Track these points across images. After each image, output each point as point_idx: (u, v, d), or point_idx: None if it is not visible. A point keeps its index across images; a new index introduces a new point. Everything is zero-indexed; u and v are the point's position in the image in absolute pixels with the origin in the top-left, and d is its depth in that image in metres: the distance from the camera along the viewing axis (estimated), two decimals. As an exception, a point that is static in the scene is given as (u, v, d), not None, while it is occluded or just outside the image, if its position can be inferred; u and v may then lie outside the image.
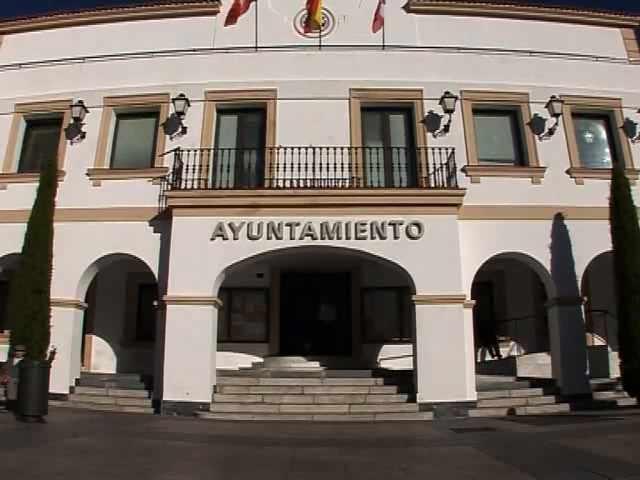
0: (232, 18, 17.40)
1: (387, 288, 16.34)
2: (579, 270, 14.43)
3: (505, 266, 15.92)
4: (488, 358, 16.78)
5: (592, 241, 14.27)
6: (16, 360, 11.95)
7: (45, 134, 16.64)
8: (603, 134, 16.62)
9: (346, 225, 13.91)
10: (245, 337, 16.69)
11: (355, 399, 13.39)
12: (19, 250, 13.54)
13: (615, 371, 14.00)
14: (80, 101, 15.73)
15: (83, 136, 15.89)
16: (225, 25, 17.32)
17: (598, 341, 16.45)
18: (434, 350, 13.16)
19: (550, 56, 16.69)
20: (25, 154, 16.60)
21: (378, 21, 17.08)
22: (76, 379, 14.49)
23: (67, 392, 13.97)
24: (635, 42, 19.64)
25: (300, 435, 10.67)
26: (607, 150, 16.44)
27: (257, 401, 13.40)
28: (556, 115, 15.53)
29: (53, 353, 12.20)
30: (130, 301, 17.40)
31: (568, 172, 15.41)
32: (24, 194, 14.11)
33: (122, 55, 16.66)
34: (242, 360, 16.02)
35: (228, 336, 16.29)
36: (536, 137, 15.75)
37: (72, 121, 15.80)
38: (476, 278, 14.22)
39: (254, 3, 17.53)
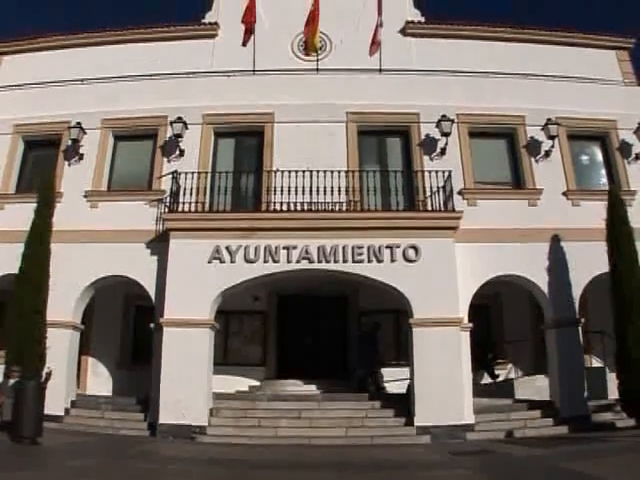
0: (247, 35, 17.41)
1: (384, 311, 16.26)
2: (576, 292, 14.43)
3: (502, 288, 15.90)
4: (486, 380, 16.69)
5: (589, 262, 14.29)
6: (11, 381, 11.92)
7: (43, 155, 16.64)
8: (599, 156, 16.70)
9: (343, 248, 13.92)
10: (242, 360, 16.57)
11: (352, 422, 13.33)
12: (16, 270, 13.50)
13: (613, 392, 13.86)
14: (78, 123, 15.80)
15: (81, 157, 15.92)
16: (243, 45, 17.30)
17: (596, 362, 16.36)
18: (431, 373, 13.12)
19: (546, 79, 16.83)
20: (23, 175, 16.62)
21: (375, 45, 17.23)
22: (72, 401, 14.42)
23: (62, 414, 13.88)
24: (629, 64, 19.84)
25: (297, 459, 10.67)
26: (603, 171, 16.52)
27: (254, 424, 13.34)
28: (552, 137, 15.62)
29: (49, 374, 12.16)
30: (127, 323, 17.34)
31: (564, 194, 15.47)
32: (22, 215, 14.12)
33: (120, 77, 16.73)
34: (239, 383, 15.94)
35: (225, 359, 16.19)
36: (532, 159, 15.82)
37: (70, 142, 15.86)
38: (473, 301, 14.23)
39: (253, 25, 17.64)
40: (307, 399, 14.28)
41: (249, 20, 17.19)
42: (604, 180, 16.24)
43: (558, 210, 15.15)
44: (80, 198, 15.47)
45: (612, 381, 13.91)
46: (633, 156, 16.13)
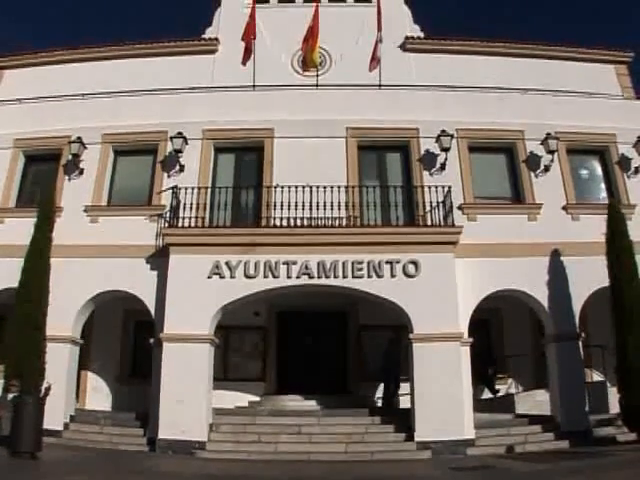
0: (247, 56, 17.49)
1: (384, 326, 16.15)
2: (576, 306, 14.40)
3: (502, 303, 15.86)
4: (486, 395, 16.63)
5: (589, 276, 14.27)
6: (10, 395, 11.92)
7: (43, 169, 16.64)
8: (598, 170, 16.69)
9: (343, 264, 13.91)
10: (241, 375, 16.48)
11: (352, 438, 13.23)
12: (15, 285, 13.46)
13: (614, 406, 13.83)
14: (79, 137, 15.82)
15: (81, 172, 15.93)
16: (243, 64, 17.40)
17: (597, 376, 16.32)
18: (432, 388, 13.07)
19: (545, 93, 16.93)
20: (23, 189, 16.61)
21: (375, 61, 17.31)
22: (71, 415, 14.35)
23: (61, 428, 13.79)
24: (628, 78, 19.97)
25: (297, 475, 10.66)
26: (603, 185, 16.50)
27: (253, 440, 13.25)
28: (551, 152, 15.65)
29: (48, 389, 12.17)
30: (126, 338, 17.27)
31: (564, 208, 15.46)
32: (22, 229, 14.10)
33: (121, 92, 16.82)
34: (238, 399, 15.85)
35: (224, 374, 16.12)
36: (532, 174, 15.83)
37: (70, 157, 15.87)
38: (473, 315, 14.19)
39: (252, 43, 17.73)
40: (307, 414, 14.21)
41: (249, 39, 17.29)
42: (604, 194, 16.24)
43: (558, 224, 15.14)
44: (80, 213, 15.46)
45: (613, 395, 13.89)
46: (632, 170, 16.13)
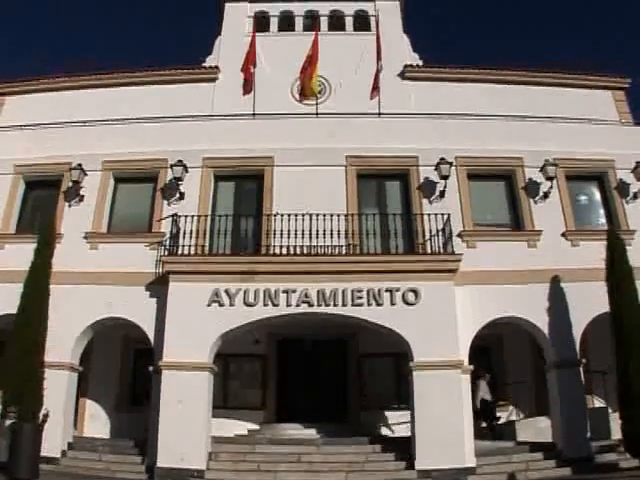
0: (247, 88, 17.65)
1: (384, 354, 16.16)
2: (577, 332, 14.36)
3: (503, 330, 15.84)
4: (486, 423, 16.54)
5: (589, 303, 14.25)
6: (8, 421, 11.84)
7: (44, 195, 16.67)
8: (597, 195, 16.72)
9: (343, 292, 13.91)
10: (241, 403, 16.37)
11: (352, 467, 13.13)
12: (15, 310, 13.46)
13: (616, 432, 13.78)
14: (79, 164, 15.89)
15: (81, 199, 15.97)
16: (244, 94, 17.55)
17: (598, 402, 16.21)
18: (432, 416, 12.99)
19: (543, 120, 17.02)
20: (23, 215, 16.64)
21: (375, 90, 17.45)
22: (68, 443, 14.22)
23: (59, 456, 13.68)
24: (626, 103, 20.09)
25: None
26: (602, 211, 16.53)
27: (253, 469, 13.13)
28: (550, 178, 15.71)
29: (46, 416, 12.15)
30: (125, 365, 17.19)
31: (564, 235, 15.48)
32: (21, 255, 14.15)
33: (122, 120, 16.93)
34: (238, 427, 15.71)
35: (224, 402, 16.01)
36: (531, 201, 15.87)
37: (71, 184, 15.92)
38: (474, 342, 14.14)
39: (253, 70, 17.88)
40: (307, 443, 14.10)
41: (248, 70, 17.43)
42: (603, 220, 16.28)
43: (557, 251, 15.15)
44: (80, 239, 15.47)
45: (615, 421, 13.85)
46: (631, 195, 16.16)
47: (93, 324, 14.70)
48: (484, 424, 15.82)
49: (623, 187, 16.23)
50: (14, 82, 20.40)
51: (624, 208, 16.11)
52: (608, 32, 53.80)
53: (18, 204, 16.63)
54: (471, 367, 13.88)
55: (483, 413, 15.74)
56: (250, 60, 17.61)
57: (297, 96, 18.63)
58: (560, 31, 54.34)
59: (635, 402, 12.48)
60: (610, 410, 15.13)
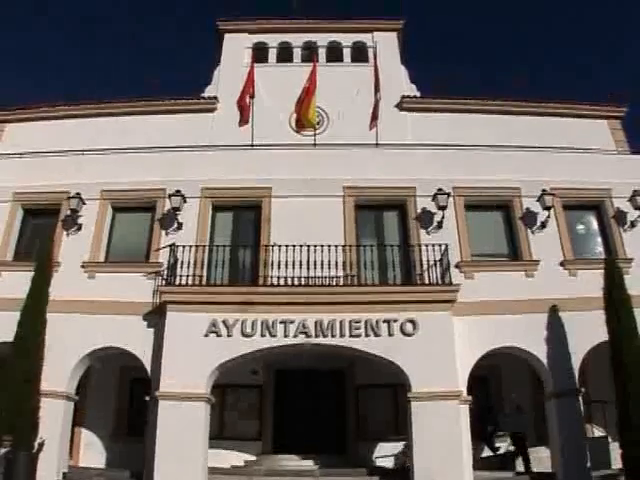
0: (244, 119, 17.80)
1: (382, 385, 16.07)
2: (576, 361, 14.31)
3: (501, 360, 15.74)
4: (486, 454, 16.41)
5: (588, 332, 14.21)
6: (3, 450, 11.77)
7: (42, 224, 16.65)
8: (595, 224, 16.77)
9: (340, 323, 13.86)
10: (238, 434, 16.22)
11: (350, 499, 13.08)
12: (11, 339, 13.38)
13: (617, 462, 13.64)
14: (78, 193, 15.90)
15: (79, 228, 15.97)
16: (240, 126, 17.69)
17: (598, 432, 16.12)
18: (431, 447, 12.91)
19: (540, 150, 17.15)
20: (21, 242, 16.60)
21: (374, 121, 17.59)
22: (64, 472, 13.99)
23: (54, 485, 13.55)
24: (622, 132, 20.20)
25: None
26: (599, 240, 16.54)
27: (249, 501, 13.09)
28: (548, 208, 15.75)
29: (41, 445, 12.15)
30: (122, 395, 17.04)
31: (561, 264, 15.49)
32: (18, 282, 14.09)
33: (120, 149, 16.98)
34: (234, 458, 15.60)
35: (220, 433, 15.89)
36: (529, 230, 15.91)
37: (69, 212, 15.92)
38: (472, 373, 14.09)
39: (251, 101, 18.01)
40: (304, 474, 13.97)
41: (244, 103, 17.57)
42: (600, 249, 16.30)
43: (555, 280, 15.15)
44: (78, 268, 15.44)
45: (615, 450, 13.72)
46: (628, 224, 16.20)
47: (90, 353, 14.60)
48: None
49: (620, 216, 16.29)
50: (14, 109, 20.52)
51: (621, 237, 16.15)
52: (604, 60, 54.44)
53: (16, 232, 16.61)
54: (470, 398, 13.79)
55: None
56: (246, 92, 17.76)
57: (295, 126, 18.76)
58: (557, 60, 54.94)
59: (635, 432, 12.38)
60: (610, 439, 15.08)
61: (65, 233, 16.04)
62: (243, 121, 17.72)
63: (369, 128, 17.73)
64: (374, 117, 17.79)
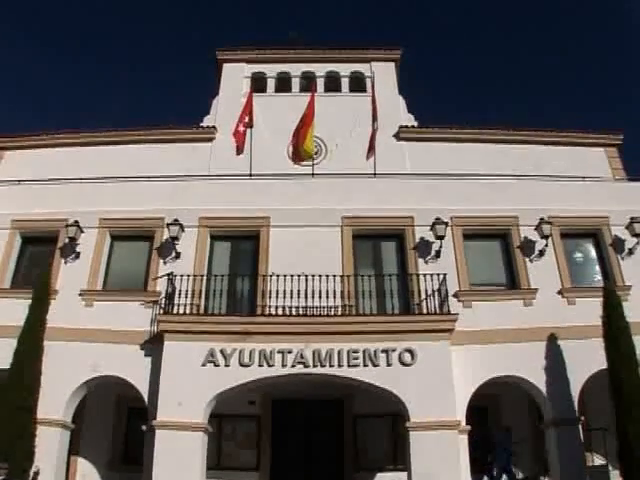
0: (239, 148, 17.94)
1: (380, 415, 15.96)
2: (575, 390, 14.28)
3: (500, 389, 15.66)
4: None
5: (587, 360, 14.22)
6: (-2, 478, 11.67)
7: (40, 251, 16.66)
8: (593, 252, 16.80)
9: (338, 352, 13.83)
10: (235, 464, 16.05)
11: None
12: (7, 366, 13.34)
13: (618, 490, 13.57)
14: (76, 221, 15.92)
15: (77, 256, 15.97)
16: (237, 155, 17.82)
17: (598, 460, 15.95)
18: (430, 478, 12.75)
19: (537, 178, 17.24)
20: (19, 270, 16.58)
21: (371, 151, 17.71)
22: (59, 502, 13.98)
23: (49, 514, 13.39)
24: (619, 160, 20.29)
25: None
26: (597, 268, 16.56)
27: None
28: (545, 237, 15.81)
29: (37, 474, 12.12)
30: (118, 424, 16.88)
31: (560, 292, 15.50)
32: (16, 310, 14.11)
33: (119, 177, 17.07)
34: (232, 488, 15.53)
35: (217, 463, 15.77)
36: (526, 259, 15.95)
37: (67, 240, 15.91)
38: (471, 402, 14.04)
39: (249, 131, 18.14)
40: (302, 506, 13.91)
41: (239, 132, 17.70)
42: (598, 276, 16.31)
43: (554, 309, 15.17)
44: (75, 296, 15.42)
45: (616, 478, 13.74)
46: (626, 251, 16.24)
47: (87, 381, 14.53)
48: None
49: (618, 243, 16.34)
50: (13, 137, 20.58)
51: (619, 264, 16.17)
52: (600, 88, 54.97)
53: (14, 259, 16.60)
54: (468, 427, 13.74)
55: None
56: (242, 121, 17.91)
57: (292, 158, 19.02)
58: (552, 89, 55.49)
59: (635, 462, 12.29)
60: (611, 467, 14.93)
61: (63, 261, 16.03)
62: (239, 150, 17.83)
63: (366, 158, 17.86)
64: (371, 147, 17.92)
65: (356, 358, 13.83)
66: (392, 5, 56.79)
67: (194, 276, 15.09)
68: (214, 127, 20.03)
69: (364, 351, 13.86)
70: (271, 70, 22.45)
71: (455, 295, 15.16)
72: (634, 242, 16.16)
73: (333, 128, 19.53)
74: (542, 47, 57.33)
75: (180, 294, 14.66)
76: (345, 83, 22.33)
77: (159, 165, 17.97)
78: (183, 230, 15.73)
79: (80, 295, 15.48)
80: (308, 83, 21.14)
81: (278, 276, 14.60)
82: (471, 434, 13.85)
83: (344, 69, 22.46)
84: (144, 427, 13.93)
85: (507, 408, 16.78)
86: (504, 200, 16.46)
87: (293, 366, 13.81)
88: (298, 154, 17.99)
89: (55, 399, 13.95)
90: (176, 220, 15.63)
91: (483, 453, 15.69)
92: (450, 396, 13.59)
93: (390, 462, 16.10)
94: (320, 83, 21.72)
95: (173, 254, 15.78)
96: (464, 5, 57.22)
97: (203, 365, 13.84)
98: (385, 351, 13.87)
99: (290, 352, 13.86)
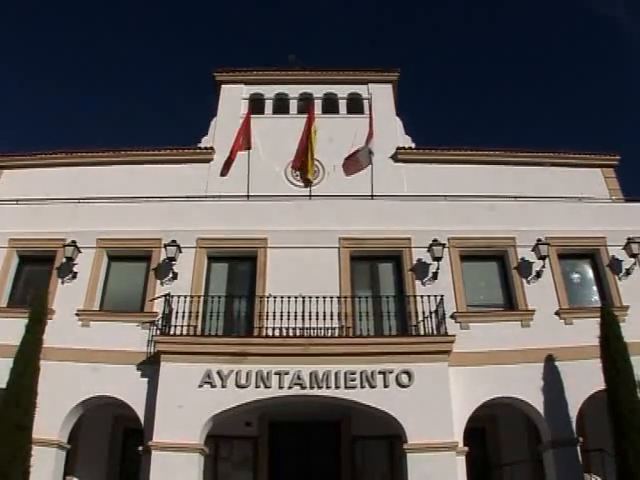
0: (226, 169, 18.07)
1: (378, 437, 15.86)
2: (573, 411, 14.26)
3: (498, 410, 15.65)
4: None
5: (584, 380, 14.20)
6: (-7, 499, 11.55)
7: (37, 271, 16.69)
8: (590, 273, 16.85)
9: (336, 374, 13.81)
10: (232, 486, 16.05)
11: None
12: (3, 385, 13.23)
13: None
14: (73, 241, 15.96)
15: (74, 276, 15.98)
16: (221, 175, 17.86)
17: (597, 481, 15.94)
18: (428, 500, 12.68)
19: (534, 200, 17.33)
20: (16, 289, 16.60)
21: (351, 164, 17.83)
22: (55, 523, 13.83)
23: (43, 537, 13.25)
24: (616, 180, 20.35)
25: None
26: (595, 288, 16.62)
27: None
28: (543, 258, 15.84)
29: (32, 494, 11.82)
30: (114, 445, 16.77)
31: (557, 313, 15.53)
32: (12, 329, 13.99)
33: (117, 198, 17.16)
34: (228, 510, 15.40)
35: (214, 485, 15.69)
36: (524, 280, 15.99)
37: (64, 260, 15.93)
38: (468, 424, 14.00)
39: (247, 152, 18.24)
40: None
41: (235, 154, 17.82)
42: (596, 297, 16.36)
43: (551, 330, 15.19)
44: (72, 316, 15.42)
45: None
46: (623, 272, 16.28)
47: (83, 402, 14.47)
48: None
49: (615, 264, 16.40)
50: (11, 156, 20.63)
51: (617, 285, 16.21)
52: (597, 109, 55.35)
53: (11, 278, 16.62)
54: (466, 449, 13.68)
55: None
56: (237, 142, 18.01)
57: (291, 178, 19.17)
58: (549, 110, 55.92)
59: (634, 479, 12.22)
60: (609, 489, 14.88)
61: (60, 280, 16.04)
62: (225, 170, 18.00)
63: (345, 174, 18.05)
64: (351, 162, 18.15)
65: (353, 380, 13.81)
66: (390, 27, 57.23)
67: (191, 297, 15.12)
68: (212, 148, 20.08)
69: (361, 373, 13.85)
70: (269, 91, 22.52)
71: (452, 316, 15.19)
72: (631, 262, 16.20)
73: (331, 149, 19.58)
74: (540, 69, 57.77)
75: (177, 315, 14.69)
76: (343, 105, 22.39)
77: (157, 186, 18.00)
78: (180, 251, 15.76)
79: (77, 315, 15.47)
80: (306, 105, 21.23)
81: (275, 297, 14.61)
82: (469, 455, 13.76)
83: (342, 91, 22.54)
84: (140, 448, 13.82)
85: (505, 429, 16.72)
86: (501, 221, 16.56)
87: (290, 387, 13.78)
88: (306, 169, 18.20)
89: (51, 419, 13.89)
90: (173, 241, 15.66)
91: (481, 475, 15.65)
92: (448, 417, 13.56)
93: (388, 485, 16.02)
94: (318, 104, 21.82)
95: (170, 275, 15.81)
96: (461, 26, 57.76)
97: (200, 386, 13.81)
98: (382, 372, 13.86)
99: (287, 373, 13.84)
